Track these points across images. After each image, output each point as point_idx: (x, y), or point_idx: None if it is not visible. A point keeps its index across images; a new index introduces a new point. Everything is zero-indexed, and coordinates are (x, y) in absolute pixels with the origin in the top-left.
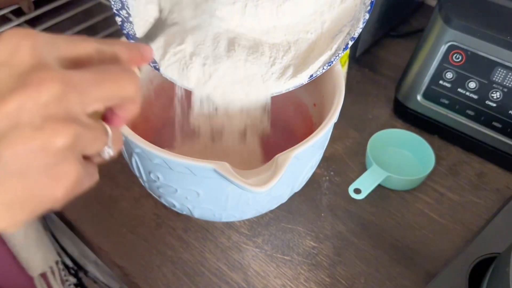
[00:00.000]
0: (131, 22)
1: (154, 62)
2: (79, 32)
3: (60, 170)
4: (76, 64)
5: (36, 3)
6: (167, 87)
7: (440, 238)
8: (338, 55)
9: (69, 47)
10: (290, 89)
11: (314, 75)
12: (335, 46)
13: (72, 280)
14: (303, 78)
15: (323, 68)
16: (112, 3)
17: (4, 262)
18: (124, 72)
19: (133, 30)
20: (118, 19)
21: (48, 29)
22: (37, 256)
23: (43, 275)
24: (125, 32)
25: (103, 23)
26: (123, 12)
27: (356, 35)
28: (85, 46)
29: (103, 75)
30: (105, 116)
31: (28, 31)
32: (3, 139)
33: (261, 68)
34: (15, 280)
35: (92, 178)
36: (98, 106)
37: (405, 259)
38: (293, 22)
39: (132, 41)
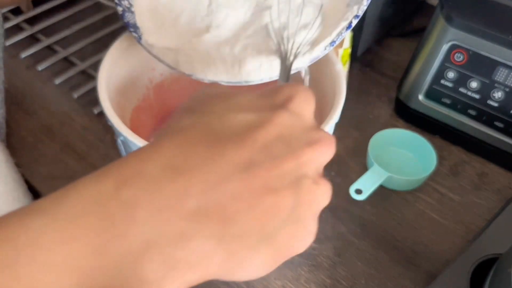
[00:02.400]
0: (132, 12)
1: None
2: (78, 32)
3: (312, 227)
4: None
5: (34, 2)
6: (166, 86)
7: (442, 239)
8: (341, 34)
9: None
10: (292, 72)
11: (316, 57)
12: (339, 28)
13: None
14: (305, 61)
15: (325, 49)
16: None
17: None
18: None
19: (133, 19)
20: (119, 9)
21: (47, 28)
22: None
23: None
24: (125, 21)
25: (102, 23)
26: (125, 3)
27: (361, 13)
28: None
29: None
30: None
31: (310, 92)
32: (298, 184)
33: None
34: None
35: None
36: None
37: (406, 259)
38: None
39: (131, 29)
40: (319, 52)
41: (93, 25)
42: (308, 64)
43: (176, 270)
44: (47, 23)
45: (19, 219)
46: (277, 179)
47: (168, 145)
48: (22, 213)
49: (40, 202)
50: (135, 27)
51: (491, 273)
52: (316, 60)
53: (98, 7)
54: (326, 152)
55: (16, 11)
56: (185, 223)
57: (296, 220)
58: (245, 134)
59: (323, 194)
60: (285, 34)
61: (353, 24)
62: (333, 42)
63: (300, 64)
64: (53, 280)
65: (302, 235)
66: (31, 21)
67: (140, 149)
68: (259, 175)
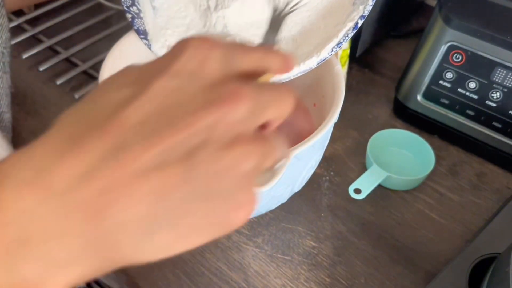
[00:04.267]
0: (141, 18)
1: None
2: (80, 33)
3: (242, 197)
4: (245, 76)
5: (36, 3)
6: None
7: (440, 238)
8: (347, 35)
9: (243, 58)
10: (299, 74)
11: (323, 59)
12: (345, 29)
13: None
14: (312, 63)
15: (332, 51)
16: (123, 0)
17: None
18: (289, 94)
19: (143, 26)
20: (128, 15)
21: (49, 29)
22: None
23: None
24: (135, 27)
25: (103, 23)
26: (134, 9)
27: (366, 13)
28: (254, 57)
29: (279, 96)
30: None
31: (213, 41)
32: (191, 157)
33: None
34: None
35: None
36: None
37: (405, 259)
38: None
39: (142, 36)
40: (326, 53)
41: (94, 26)
42: (316, 66)
43: (55, 268)
44: (48, 24)
45: None
46: (157, 158)
47: (41, 145)
48: None
49: None
50: (145, 34)
51: (489, 273)
52: (323, 62)
53: (99, 8)
54: (234, 108)
55: (18, 12)
56: (52, 222)
57: (206, 195)
58: (114, 114)
59: (240, 158)
60: None
61: (359, 24)
62: (339, 43)
63: (308, 67)
64: None
65: (228, 209)
66: (33, 22)
67: (21, 150)
68: (130, 158)
